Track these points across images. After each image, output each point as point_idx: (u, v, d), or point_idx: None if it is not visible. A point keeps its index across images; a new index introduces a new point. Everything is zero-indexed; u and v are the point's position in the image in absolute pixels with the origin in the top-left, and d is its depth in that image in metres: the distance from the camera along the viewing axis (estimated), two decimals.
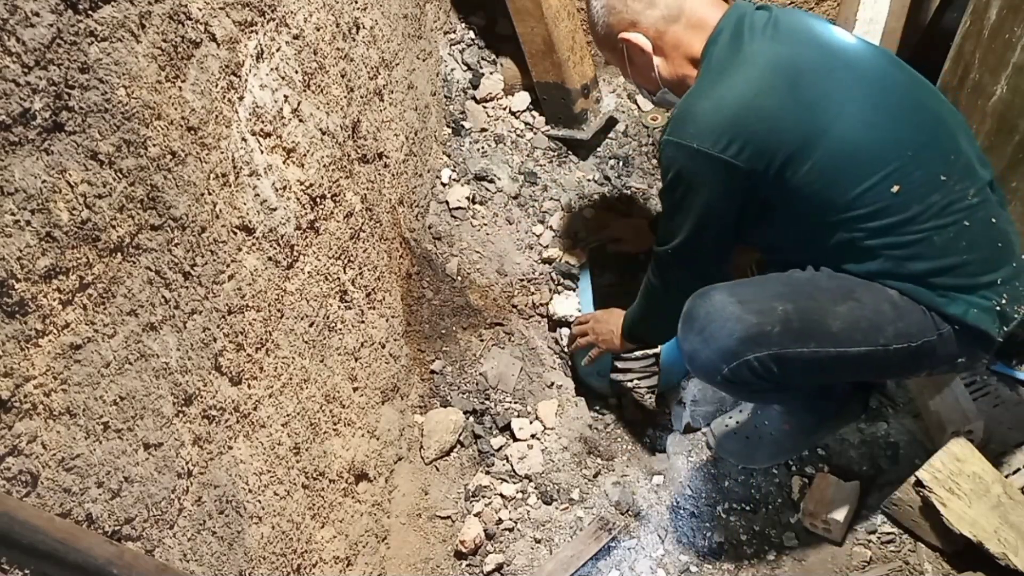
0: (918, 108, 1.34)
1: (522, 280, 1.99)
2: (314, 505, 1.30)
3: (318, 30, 1.31)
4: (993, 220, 1.33)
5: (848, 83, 1.30)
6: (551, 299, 1.93)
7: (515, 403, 1.79)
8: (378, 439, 1.58)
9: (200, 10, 0.95)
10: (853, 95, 1.29)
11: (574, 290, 1.95)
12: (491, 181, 2.13)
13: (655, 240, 1.50)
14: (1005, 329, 1.33)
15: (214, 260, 1.00)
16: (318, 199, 1.30)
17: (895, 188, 1.27)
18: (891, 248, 1.31)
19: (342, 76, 1.42)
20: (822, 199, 1.30)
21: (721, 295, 1.37)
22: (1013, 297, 1.33)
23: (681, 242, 1.42)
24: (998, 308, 1.32)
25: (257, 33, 1.10)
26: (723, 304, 1.35)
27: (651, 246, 1.92)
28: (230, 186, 1.04)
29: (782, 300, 1.34)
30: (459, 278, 1.90)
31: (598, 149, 2.30)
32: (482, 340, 1.84)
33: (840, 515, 1.57)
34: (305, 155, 1.25)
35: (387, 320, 1.66)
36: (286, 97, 1.19)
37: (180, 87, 0.91)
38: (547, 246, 2.10)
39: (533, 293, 1.97)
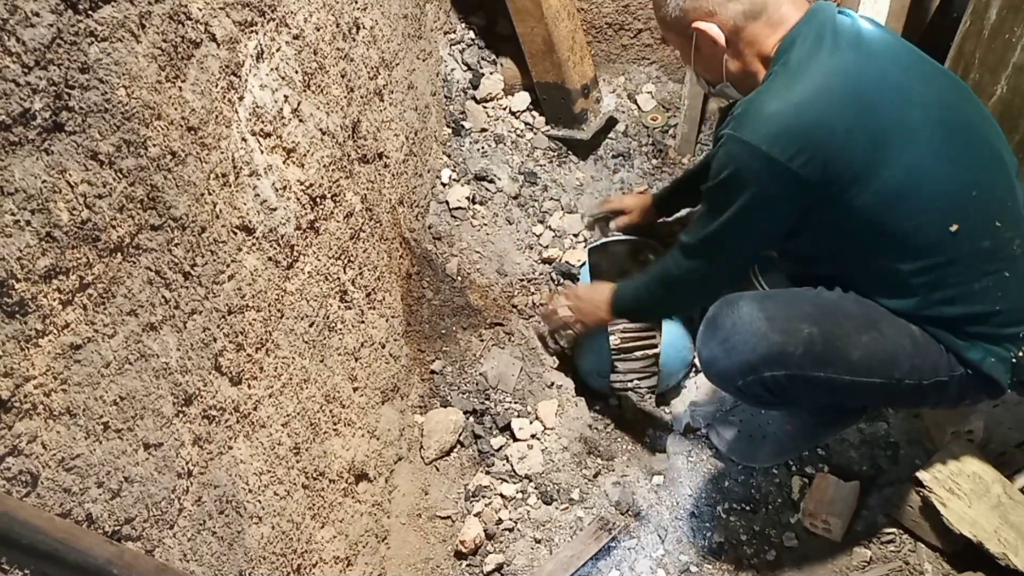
0: (985, 147, 1.30)
1: (522, 280, 2.00)
2: (314, 505, 1.29)
3: (318, 30, 1.30)
4: None
5: (924, 111, 1.25)
6: (551, 299, 1.93)
7: (515, 403, 1.79)
8: (378, 439, 1.58)
9: (200, 10, 0.95)
10: (928, 124, 1.24)
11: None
12: (491, 181, 2.13)
13: (686, 230, 1.44)
14: (1015, 379, 1.33)
15: (214, 260, 1.00)
16: (318, 199, 1.30)
17: (954, 227, 1.24)
18: (929, 287, 1.28)
19: (342, 76, 1.42)
20: (877, 225, 1.26)
21: (750, 308, 1.34)
22: None
23: (718, 239, 1.36)
24: (1014, 360, 1.31)
25: (257, 33, 1.10)
26: (751, 318, 1.33)
27: (655, 221, 1.94)
28: (230, 186, 1.04)
29: (808, 322, 1.32)
30: (459, 278, 1.90)
31: (598, 149, 2.30)
32: (482, 340, 1.84)
33: (840, 515, 1.57)
34: (305, 155, 1.25)
35: (387, 320, 1.66)
36: (286, 97, 1.19)
37: (180, 87, 0.91)
38: (547, 246, 2.10)
39: (533, 293, 1.97)
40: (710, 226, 1.35)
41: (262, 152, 1.12)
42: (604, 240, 2.04)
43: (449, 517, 1.66)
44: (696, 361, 1.92)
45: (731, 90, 1.42)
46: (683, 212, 1.99)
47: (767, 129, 1.22)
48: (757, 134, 1.22)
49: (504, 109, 2.28)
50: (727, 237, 1.35)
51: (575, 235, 2.13)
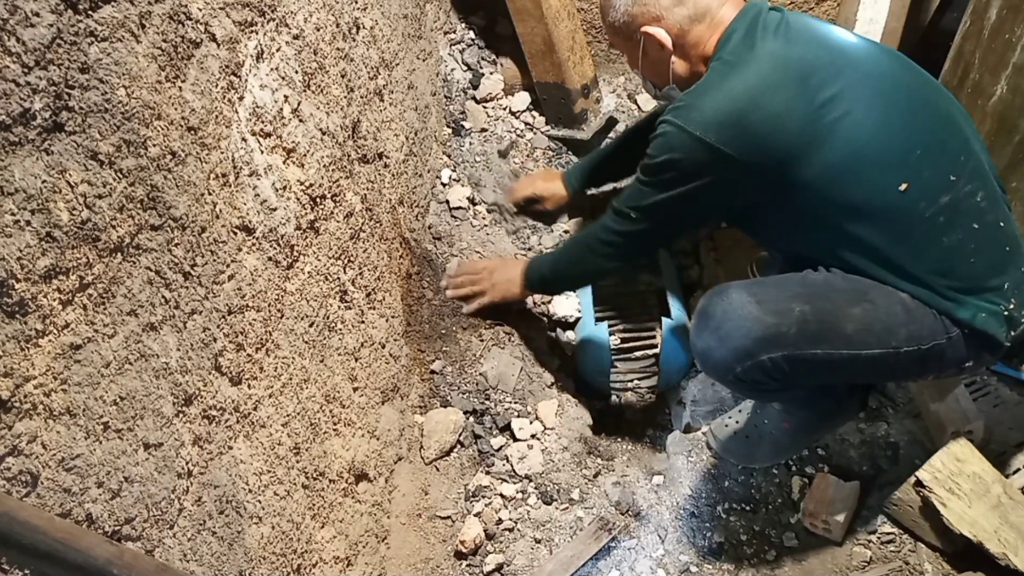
0: (927, 108, 1.34)
1: None
2: (314, 505, 1.30)
3: (318, 30, 1.31)
4: (1001, 224, 1.33)
5: (856, 83, 1.30)
6: (551, 299, 1.93)
7: (515, 403, 1.79)
8: (378, 439, 1.58)
9: (200, 10, 0.95)
10: (861, 95, 1.29)
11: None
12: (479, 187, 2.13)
13: (618, 197, 1.49)
14: (1012, 334, 1.33)
15: (214, 260, 1.00)
16: (318, 199, 1.30)
17: (903, 186, 1.27)
18: (902, 250, 1.31)
19: (342, 76, 1.42)
20: (827, 197, 1.30)
21: (739, 294, 1.36)
22: (1021, 302, 1.33)
23: (653, 212, 1.41)
24: (1006, 313, 1.32)
25: (257, 33, 1.10)
26: (741, 303, 1.35)
27: (570, 202, 1.97)
28: (230, 186, 1.04)
29: (799, 301, 1.34)
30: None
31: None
32: (482, 340, 1.84)
33: (840, 515, 1.57)
34: (305, 155, 1.25)
35: (387, 320, 1.66)
36: (286, 97, 1.19)
37: (180, 87, 0.91)
38: (546, 246, 2.10)
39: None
40: (647, 199, 1.40)
41: (262, 152, 1.12)
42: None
43: (449, 517, 1.66)
44: (695, 361, 1.92)
45: (676, 92, 1.46)
46: (608, 187, 2.04)
47: (701, 116, 1.28)
48: (693, 122, 1.28)
49: (504, 109, 2.28)
50: (663, 212, 1.40)
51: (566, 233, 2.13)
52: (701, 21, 1.38)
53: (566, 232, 2.10)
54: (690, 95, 1.33)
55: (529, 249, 2.07)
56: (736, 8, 1.38)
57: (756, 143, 1.28)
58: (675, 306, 1.89)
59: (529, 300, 1.95)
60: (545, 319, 1.93)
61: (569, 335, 1.96)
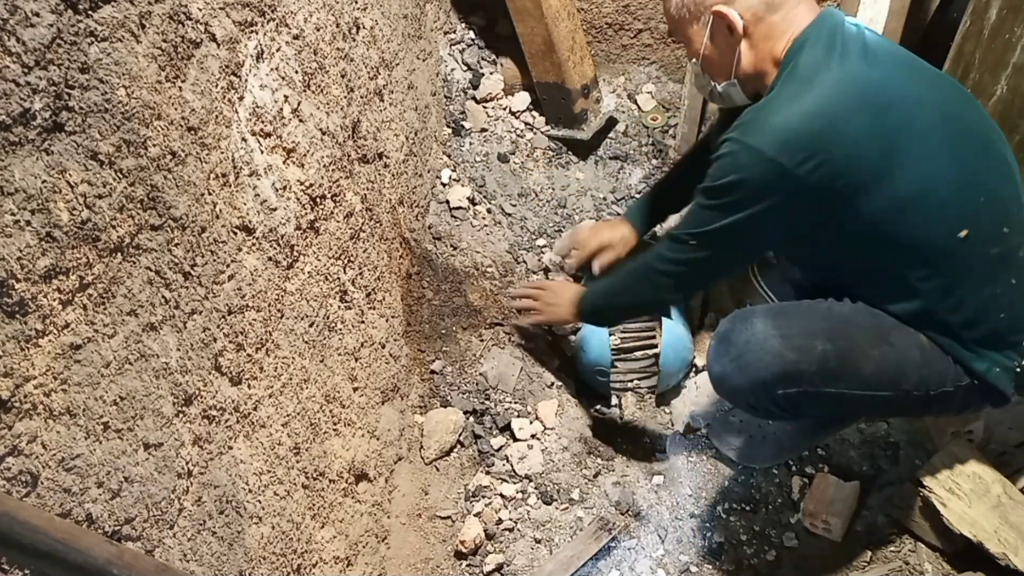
0: (991, 152, 1.28)
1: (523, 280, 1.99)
2: (314, 505, 1.29)
3: (318, 30, 1.30)
4: None
5: (932, 117, 1.23)
6: None
7: (515, 403, 1.79)
8: (378, 439, 1.58)
9: (200, 10, 0.95)
10: (936, 130, 1.23)
11: None
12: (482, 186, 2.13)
13: (675, 225, 1.40)
14: (1019, 389, 1.33)
15: (214, 260, 1.00)
16: (318, 199, 1.30)
17: (963, 233, 1.22)
18: (938, 294, 1.27)
19: (342, 76, 1.42)
20: (887, 231, 1.24)
21: (764, 324, 1.33)
22: None
23: (715, 239, 1.30)
24: (1018, 369, 1.30)
25: (257, 33, 1.10)
26: (765, 336, 1.32)
27: (639, 245, 1.82)
28: (230, 186, 1.04)
29: (822, 338, 1.31)
30: (459, 278, 1.90)
31: (598, 149, 2.30)
32: (482, 340, 1.84)
33: (840, 515, 1.57)
34: (305, 155, 1.25)
35: (387, 320, 1.66)
36: (286, 97, 1.19)
37: (180, 87, 0.91)
38: (546, 246, 2.10)
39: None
40: (708, 225, 1.30)
41: (262, 152, 1.12)
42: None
43: (449, 517, 1.66)
44: (696, 361, 1.92)
45: (736, 91, 1.37)
46: (670, 222, 1.93)
47: (775, 135, 1.19)
48: (764, 139, 1.19)
49: (504, 109, 2.28)
50: (726, 239, 1.30)
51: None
52: (776, 11, 1.27)
53: None
54: (758, 111, 1.23)
55: (530, 248, 2.07)
56: (812, 13, 1.28)
57: (827, 168, 1.18)
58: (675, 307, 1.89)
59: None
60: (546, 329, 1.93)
61: (570, 337, 1.96)
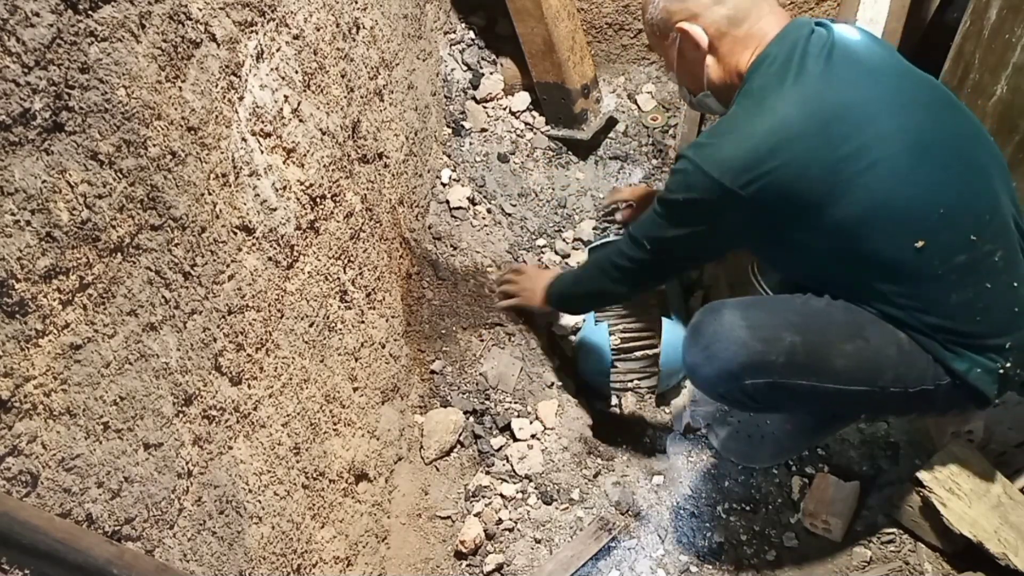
0: (960, 162, 1.28)
1: None
2: (314, 505, 1.30)
3: (318, 30, 1.30)
4: (1015, 284, 1.30)
5: (888, 134, 1.23)
6: (558, 317, 1.93)
7: (515, 403, 1.79)
8: (378, 439, 1.58)
9: (200, 10, 0.95)
10: (890, 147, 1.23)
11: None
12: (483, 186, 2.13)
13: (635, 224, 1.45)
14: (1002, 391, 1.33)
15: (214, 260, 1.00)
16: (318, 199, 1.30)
17: (919, 243, 1.23)
18: (903, 298, 1.29)
19: (342, 76, 1.42)
20: (841, 247, 1.27)
21: (732, 315, 1.35)
22: (1018, 362, 1.31)
23: (664, 244, 1.39)
24: (1001, 371, 1.30)
25: (257, 33, 1.10)
26: (732, 326, 1.34)
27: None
28: (230, 186, 1.04)
29: (792, 331, 1.32)
30: (459, 278, 1.90)
31: (598, 149, 2.30)
32: (482, 340, 1.84)
33: (840, 515, 1.57)
34: (305, 155, 1.25)
35: (387, 320, 1.66)
36: (286, 97, 1.19)
37: (180, 87, 0.91)
38: (546, 246, 2.10)
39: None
40: (659, 232, 1.38)
41: (262, 152, 1.12)
42: (604, 240, 2.04)
43: (449, 517, 1.66)
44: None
45: (712, 100, 1.42)
46: None
47: (722, 158, 1.24)
48: (712, 161, 1.24)
49: (504, 109, 2.28)
50: (675, 247, 1.39)
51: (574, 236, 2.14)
52: (739, 25, 1.31)
53: None
54: (712, 131, 1.29)
55: (530, 248, 2.08)
56: (779, 23, 1.30)
57: (773, 190, 1.23)
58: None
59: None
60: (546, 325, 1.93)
61: (570, 337, 1.96)
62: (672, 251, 1.41)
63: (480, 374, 1.80)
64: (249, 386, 1.10)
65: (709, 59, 1.36)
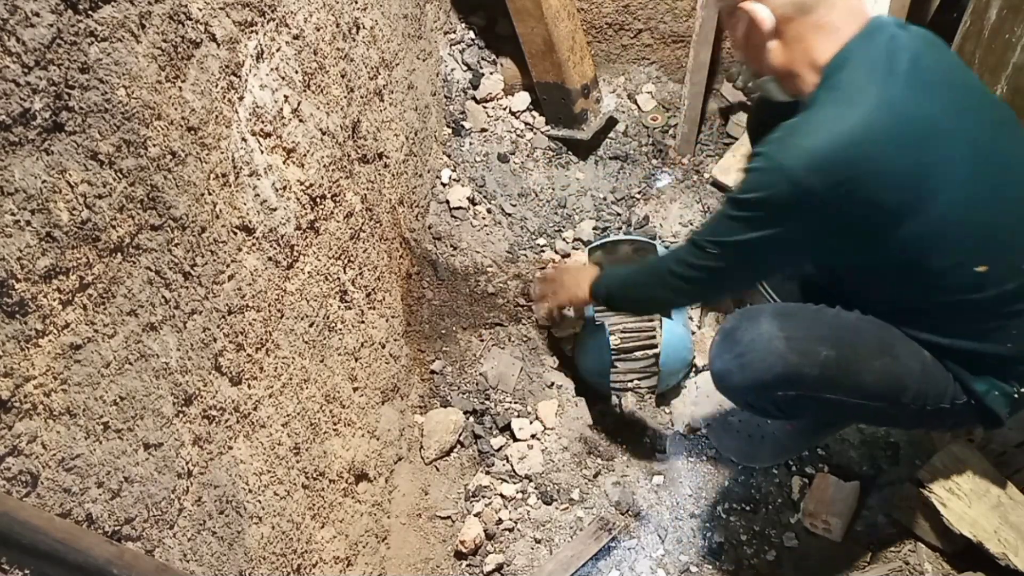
0: (1020, 188, 1.26)
1: (522, 279, 1.99)
2: (314, 505, 1.29)
3: (318, 30, 1.30)
4: None
5: (965, 153, 1.20)
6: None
7: (515, 403, 1.79)
8: (378, 439, 1.58)
9: (200, 10, 0.95)
10: (968, 168, 1.20)
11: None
12: (483, 187, 2.13)
13: (697, 230, 1.37)
14: (1012, 413, 1.33)
15: (214, 260, 1.00)
16: (318, 199, 1.30)
17: (982, 268, 1.21)
18: (950, 322, 1.28)
19: (342, 76, 1.42)
20: (906, 263, 1.24)
21: (769, 325, 1.32)
22: None
23: (733, 251, 1.28)
24: (1016, 395, 1.30)
25: (257, 33, 1.10)
26: (770, 336, 1.31)
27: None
28: (230, 186, 1.04)
29: (826, 344, 1.30)
30: (459, 278, 1.90)
31: (598, 149, 2.30)
32: (482, 340, 1.84)
33: (840, 515, 1.57)
34: (305, 155, 1.25)
35: (387, 320, 1.66)
36: (286, 97, 1.19)
37: (180, 87, 0.91)
38: (546, 246, 2.10)
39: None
40: (730, 236, 1.28)
41: (262, 152, 1.12)
42: (604, 240, 2.04)
43: (449, 517, 1.66)
44: (696, 361, 1.92)
45: (774, 86, 1.35)
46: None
47: (807, 158, 1.16)
48: (796, 161, 1.16)
49: (504, 109, 2.28)
50: (745, 252, 1.28)
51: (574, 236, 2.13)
52: (807, 14, 1.22)
53: None
54: (793, 128, 1.20)
55: (531, 247, 2.07)
56: (856, 22, 1.23)
57: (855, 196, 1.16)
58: None
59: (529, 300, 1.95)
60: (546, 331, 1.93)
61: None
62: (741, 258, 1.30)
63: (480, 374, 1.80)
64: (249, 386, 1.10)
65: (773, 43, 1.27)
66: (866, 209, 1.18)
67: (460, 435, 1.76)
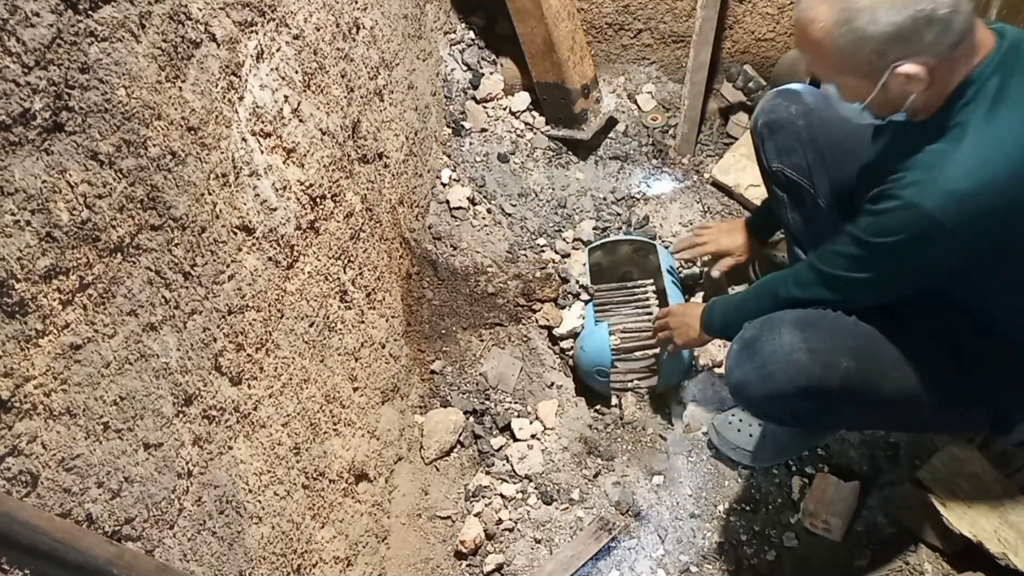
0: None
1: (522, 278, 1.99)
2: (314, 505, 1.30)
3: (318, 30, 1.31)
4: None
5: None
6: (561, 320, 1.92)
7: (515, 403, 1.79)
8: (378, 439, 1.58)
9: (200, 10, 0.95)
10: None
11: (586, 301, 1.94)
12: (483, 187, 2.13)
13: (823, 257, 1.32)
14: (1020, 421, 1.33)
15: (214, 260, 1.00)
16: (318, 199, 1.30)
17: None
18: (1005, 348, 1.26)
19: (342, 76, 1.42)
20: (1009, 295, 1.23)
21: (792, 337, 1.30)
22: None
23: (864, 286, 1.27)
24: None
25: (257, 33, 1.10)
26: (792, 347, 1.29)
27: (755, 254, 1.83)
28: (230, 186, 1.04)
29: (848, 355, 1.29)
30: (459, 278, 1.90)
31: (598, 149, 2.30)
32: (482, 340, 1.84)
33: (840, 515, 1.57)
34: (305, 155, 1.25)
35: (387, 320, 1.66)
36: (286, 97, 1.19)
37: (180, 87, 0.91)
38: (546, 246, 2.10)
39: (534, 292, 1.97)
40: (860, 272, 1.26)
41: (262, 152, 1.12)
42: (604, 240, 2.04)
43: (449, 517, 1.67)
44: (696, 362, 1.92)
45: (868, 115, 1.23)
46: (779, 236, 1.93)
47: (951, 201, 1.11)
48: (939, 204, 1.11)
49: (504, 109, 2.28)
50: (868, 289, 1.27)
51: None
52: (959, 46, 1.11)
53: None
54: (929, 169, 1.13)
55: (531, 247, 2.07)
56: (984, 35, 1.13)
57: (989, 237, 1.14)
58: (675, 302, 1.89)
59: (529, 300, 1.95)
60: (546, 329, 1.93)
61: (568, 341, 1.95)
62: (868, 292, 1.29)
63: (480, 374, 1.81)
64: (249, 386, 1.10)
65: (922, 90, 1.15)
66: (990, 246, 1.16)
67: (460, 435, 1.76)
